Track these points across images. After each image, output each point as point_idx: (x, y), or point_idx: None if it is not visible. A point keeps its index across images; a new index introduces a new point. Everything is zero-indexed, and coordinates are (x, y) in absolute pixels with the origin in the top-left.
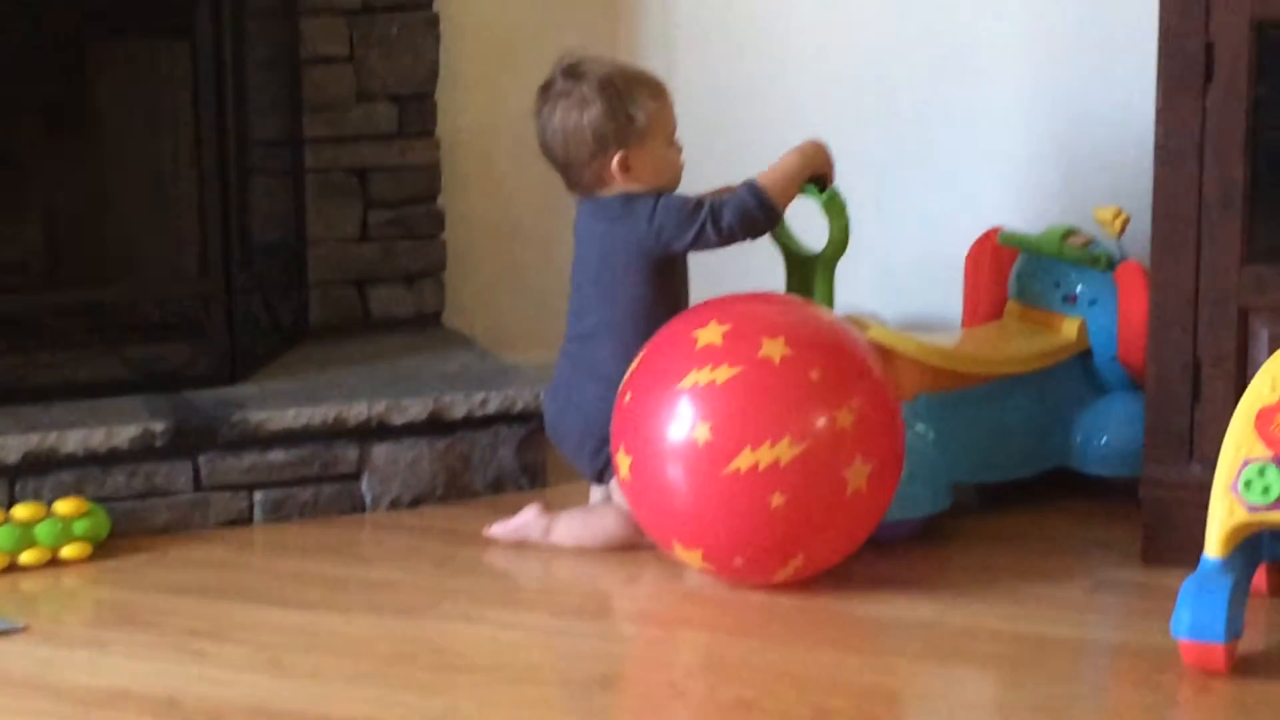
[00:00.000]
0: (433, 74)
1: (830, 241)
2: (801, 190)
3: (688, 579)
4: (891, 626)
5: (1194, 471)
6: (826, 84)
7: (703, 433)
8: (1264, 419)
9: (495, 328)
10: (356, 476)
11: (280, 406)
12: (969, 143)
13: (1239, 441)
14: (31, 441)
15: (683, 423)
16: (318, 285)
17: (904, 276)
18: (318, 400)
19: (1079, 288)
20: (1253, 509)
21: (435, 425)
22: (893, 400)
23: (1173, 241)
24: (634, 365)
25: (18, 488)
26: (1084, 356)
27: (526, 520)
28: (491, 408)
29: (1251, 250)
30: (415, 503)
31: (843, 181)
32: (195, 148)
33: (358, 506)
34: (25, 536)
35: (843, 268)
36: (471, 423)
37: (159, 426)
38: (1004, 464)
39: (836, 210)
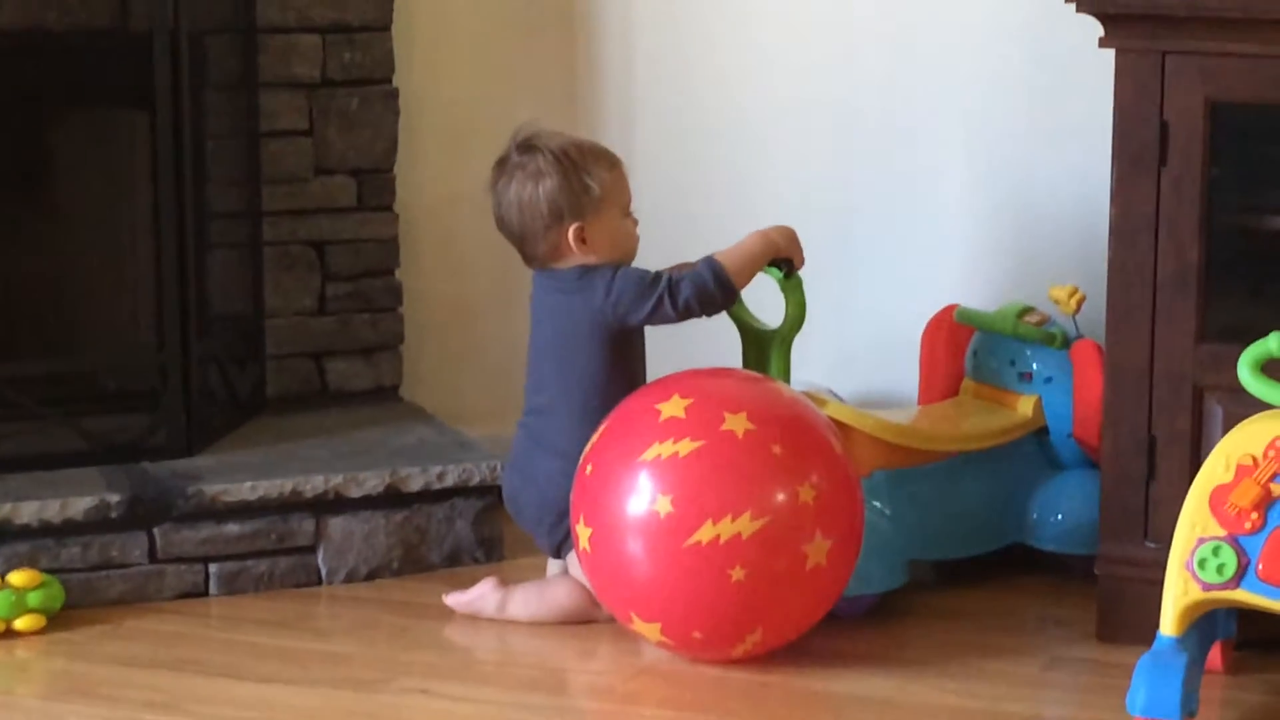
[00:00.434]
0: (391, 148)
1: (787, 318)
2: (767, 269)
3: (644, 653)
4: (848, 702)
5: (1149, 549)
6: (784, 160)
7: (664, 505)
8: (1218, 497)
9: (452, 401)
10: (312, 549)
11: (236, 479)
12: (925, 220)
13: (1194, 520)
14: None
15: (644, 495)
16: (275, 358)
17: (860, 353)
18: (274, 473)
19: (1035, 365)
20: (1207, 587)
21: (392, 498)
22: (853, 476)
23: (1128, 320)
24: (595, 437)
25: None
26: (1039, 434)
27: (482, 593)
28: (448, 481)
29: (1206, 329)
30: (371, 576)
31: None
32: (153, 219)
33: (313, 579)
34: None
35: (799, 344)
36: (428, 496)
37: (115, 498)
38: (960, 541)
39: (793, 287)
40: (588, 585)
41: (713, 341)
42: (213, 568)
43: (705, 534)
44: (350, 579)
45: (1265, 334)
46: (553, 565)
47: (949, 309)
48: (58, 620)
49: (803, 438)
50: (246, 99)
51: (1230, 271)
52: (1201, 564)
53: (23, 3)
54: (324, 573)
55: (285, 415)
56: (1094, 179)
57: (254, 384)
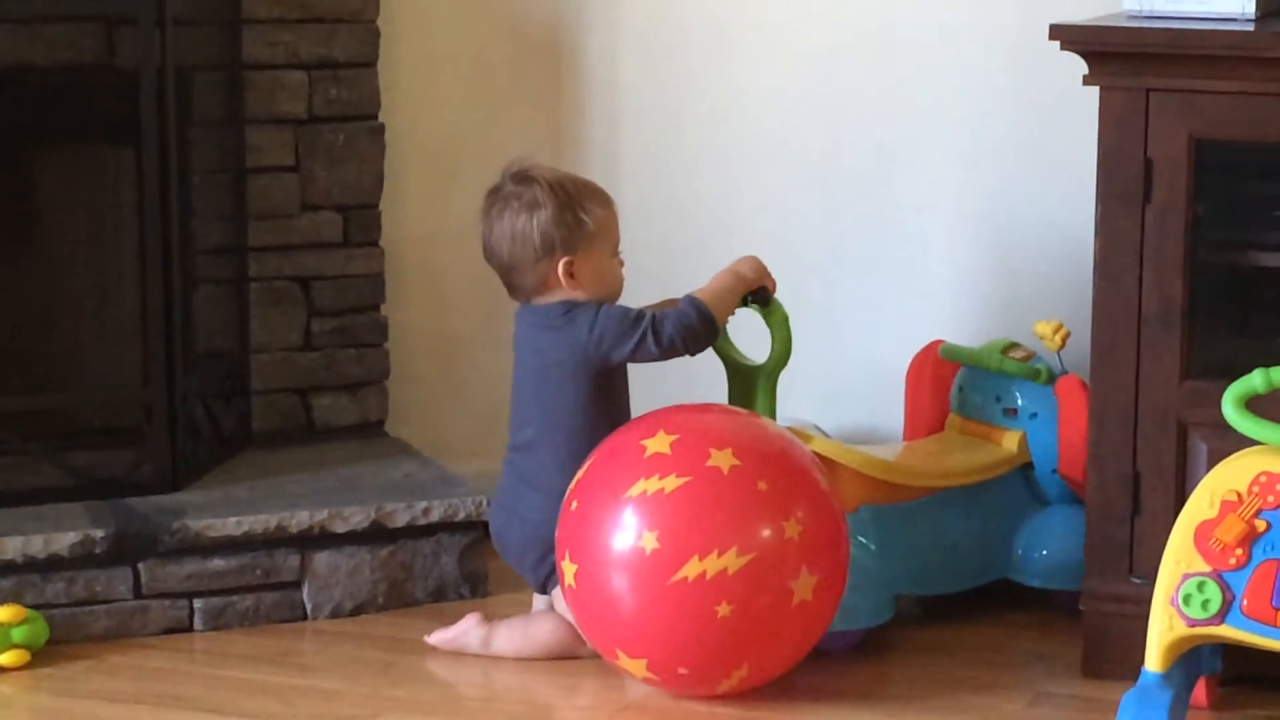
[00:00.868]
0: (377, 184)
1: (772, 353)
2: (744, 304)
3: (629, 689)
4: None
5: (1134, 585)
6: (769, 194)
7: (650, 541)
8: (1203, 533)
9: (438, 436)
10: (298, 585)
11: (222, 514)
12: (910, 256)
13: (1178, 555)
14: None
15: (630, 531)
16: (260, 393)
17: (846, 389)
18: (259, 508)
19: (1019, 401)
20: (1192, 623)
21: (377, 534)
22: (838, 511)
23: (1112, 356)
24: (581, 472)
25: None
26: (1024, 470)
27: (465, 629)
28: (434, 516)
29: (1190, 366)
30: (356, 611)
31: (785, 294)
32: (139, 254)
33: (299, 615)
34: None
35: (785, 380)
36: (413, 531)
37: (99, 533)
38: (945, 576)
39: (779, 322)
40: (573, 621)
41: (697, 378)
42: (198, 603)
43: (691, 570)
44: (335, 614)
45: (1249, 370)
46: (538, 601)
47: (934, 345)
48: (42, 656)
49: (788, 473)
50: (233, 135)
51: (1214, 308)
52: (1186, 600)
53: (9, 38)
54: (309, 608)
55: (271, 451)
56: (1078, 215)
57: (239, 419)
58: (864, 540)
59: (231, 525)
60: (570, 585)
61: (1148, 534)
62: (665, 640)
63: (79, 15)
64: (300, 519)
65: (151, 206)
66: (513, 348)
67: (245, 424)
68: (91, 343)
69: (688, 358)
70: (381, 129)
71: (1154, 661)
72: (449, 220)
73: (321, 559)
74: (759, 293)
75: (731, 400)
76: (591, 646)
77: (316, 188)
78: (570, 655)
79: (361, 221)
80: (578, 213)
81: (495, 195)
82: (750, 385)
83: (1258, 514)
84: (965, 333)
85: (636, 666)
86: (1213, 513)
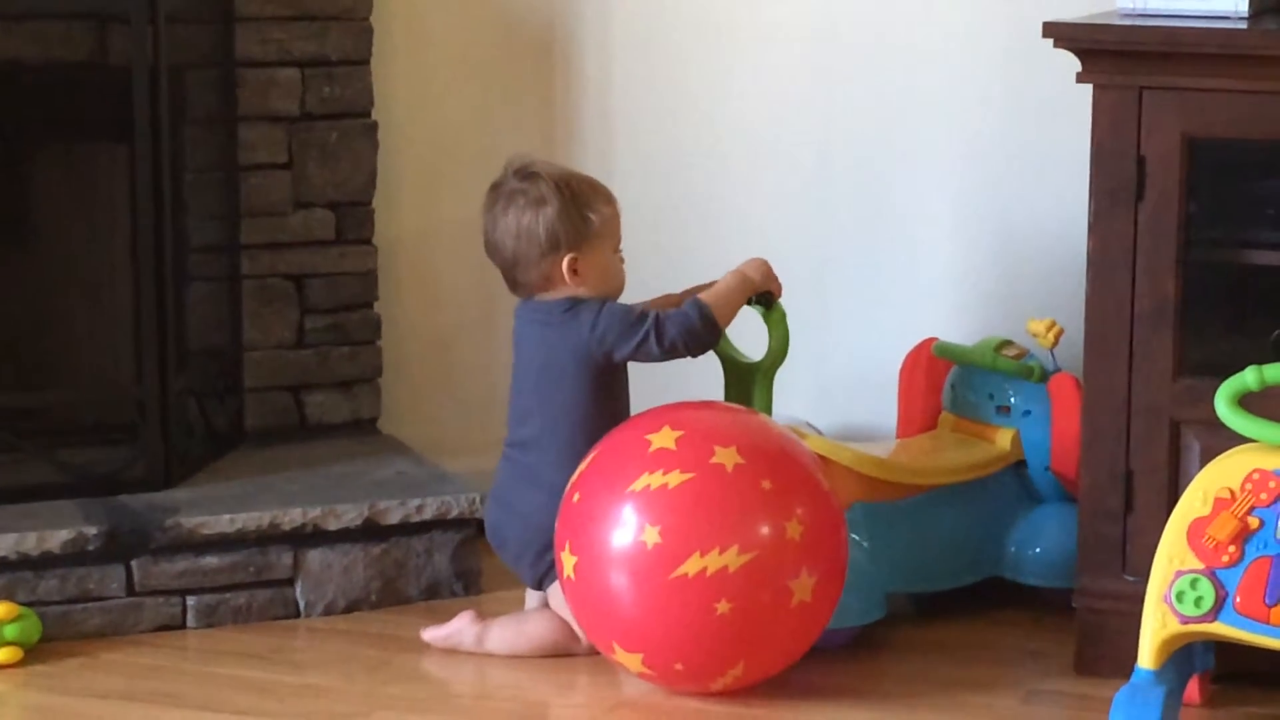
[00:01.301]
0: (371, 181)
1: (769, 351)
2: (749, 304)
3: (623, 686)
4: None
5: (1127, 582)
6: (763, 193)
7: (652, 536)
8: (1196, 531)
9: (431, 434)
10: (291, 582)
11: (215, 511)
12: (904, 255)
13: (1171, 553)
14: None
15: (632, 525)
16: (253, 391)
17: (839, 387)
18: (252, 505)
19: (1013, 399)
20: (1185, 620)
21: (370, 531)
22: (838, 513)
23: (1105, 354)
24: (584, 465)
25: None
26: (1018, 467)
27: (459, 628)
28: (427, 514)
29: (1183, 363)
30: (350, 609)
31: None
32: (132, 252)
33: (291, 612)
34: None
35: (780, 377)
36: (407, 529)
37: (92, 531)
38: (938, 574)
39: (776, 320)
40: (568, 618)
41: (693, 374)
42: (190, 600)
43: (692, 566)
44: (328, 612)
45: (1242, 368)
46: (531, 598)
47: (927, 343)
48: (35, 653)
49: (792, 473)
50: (225, 133)
51: (1207, 306)
52: (1179, 597)
53: (1, 36)
54: (302, 605)
55: (264, 448)
56: (1072, 213)
57: (232, 417)
58: (857, 538)
59: (224, 522)
60: (569, 577)
61: (1141, 531)
62: (663, 635)
63: (72, 13)
64: (293, 516)
65: (144, 204)
66: (512, 344)
67: (238, 421)
68: (84, 340)
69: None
70: (374, 127)
71: (1147, 659)
72: (442, 218)
73: (314, 556)
74: (764, 296)
75: (728, 397)
76: (586, 641)
77: (309, 185)
78: (564, 653)
79: (354, 219)
80: (583, 210)
81: (499, 190)
82: (747, 383)
83: (1250, 511)
84: (958, 330)
85: (632, 660)
86: (1206, 510)
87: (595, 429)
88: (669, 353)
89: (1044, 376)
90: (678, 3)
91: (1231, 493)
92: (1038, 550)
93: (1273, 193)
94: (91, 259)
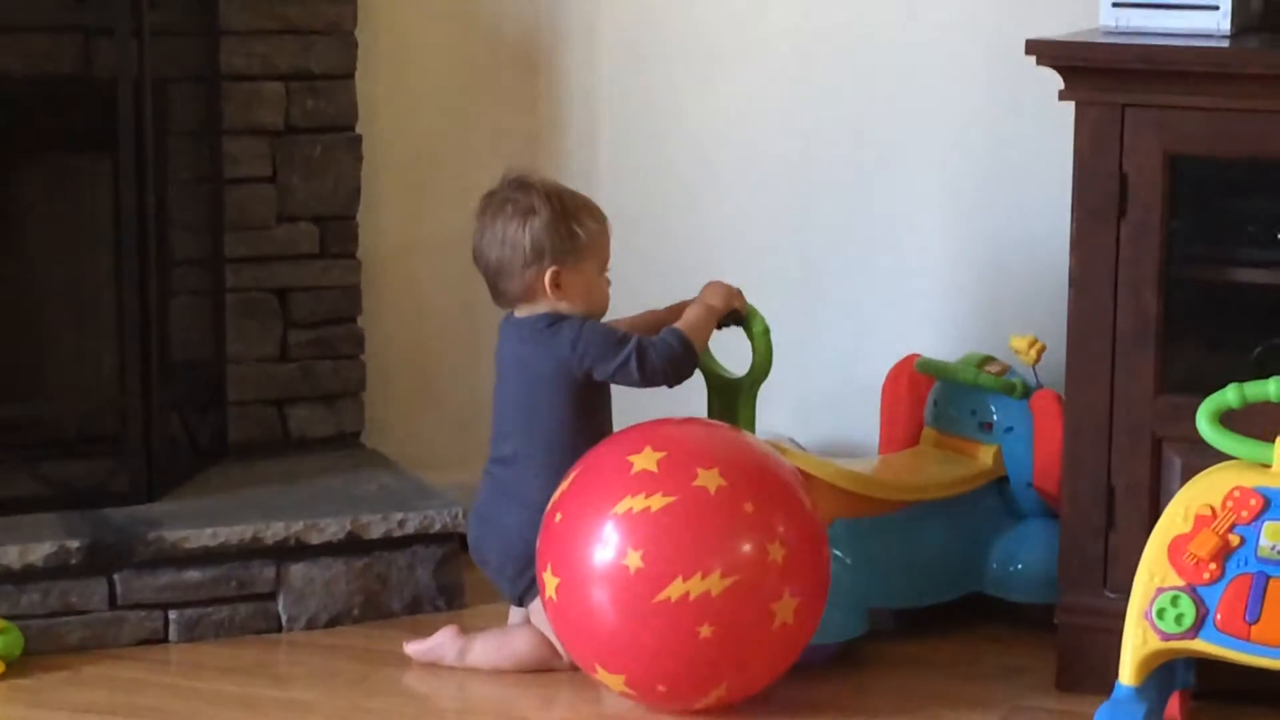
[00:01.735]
0: (354, 195)
1: (753, 367)
2: (722, 327)
3: (605, 702)
4: None
5: (1108, 599)
6: (747, 208)
7: (634, 560)
8: (1177, 548)
9: (414, 448)
10: (273, 596)
11: (197, 525)
12: (887, 270)
13: (1152, 570)
14: None
15: (615, 548)
16: (237, 404)
17: (821, 402)
18: (235, 519)
19: (995, 415)
20: (1166, 637)
21: (353, 545)
22: (821, 533)
23: (1087, 371)
24: (565, 484)
25: None
26: (1000, 483)
27: (442, 642)
28: (410, 528)
29: (1165, 381)
30: (332, 623)
31: (762, 306)
32: (116, 264)
33: (274, 626)
34: None
35: (763, 392)
36: (389, 543)
37: (74, 544)
38: (920, 590)
39: (759, 335)
40: (549, 634)
41: (676, 390)
42: (173, 614)
43: (675, 591)
44: (311, 626)
45: (1224, 386)
46: (514, 614)
47: (910, 358)
48: (16, 667)
49: (774, 494)
50: (210, 146)
51: (1189, 323)
52: (1160, 614)
53: None
54: (284, 620)
55: (247, 462)
56: (1054, 230)
57: (215, 430)
58: (839, 553)
59: (207, 536)
60: (551, 598)
61: (1122, 548)
62: (645, 658)
63: (56, 26)
64: (276, 530)
65: (128, 217)
66: (495, 360)
67: (221, 435)
68: (67, 352)
69: None
70: (359, 140)
71: (1128, 675)
72: (426, 232)
73: (297, 570)
74: (732, 315)
75: (711, 412)
76: (569, 658)
77: (293, 199)
78: (547, 668)
79: (338, 233)
80: (571, 224)
81: (491, 199)
82: (731, 398)
83: (1231, 529)
84: (941, 346)
85: (615, 681)
86: (1187, 527)
87: (576, 446)
88: (649, 379)
89: (1026, 393)
90: (662, 15)
91: (1213, 510)
92: (1019, 566)
93: (1254, 210)
94: (75, 271)
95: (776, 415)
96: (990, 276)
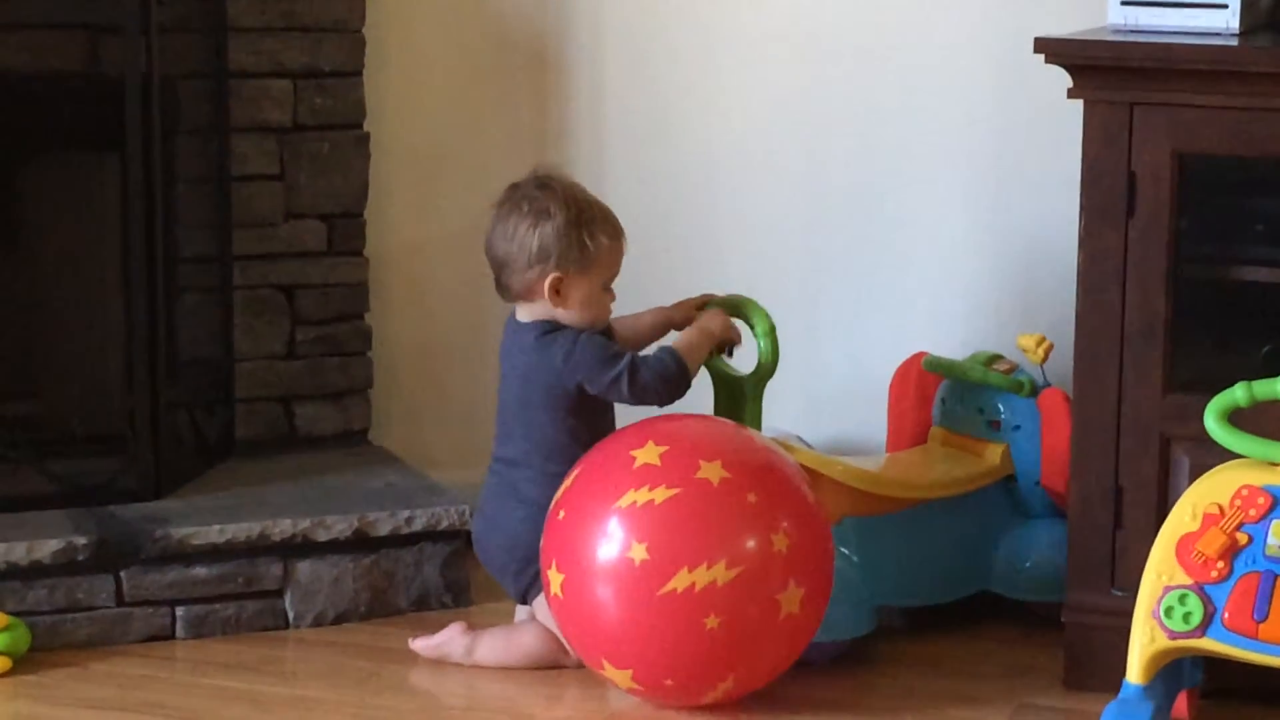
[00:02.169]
0: (362, 193)
1: (759, 365)
2: (711, 358)
3: (610, 699)
4: None
5: (1116, 597)
6: (754, 207)
7: (639, 553)
8: (1185, 546)
9: (421, 446)
10: (280, 593)
11: (204, 522)
12: (895, 269)
13: (1160, 568)
14: None
15: (619, 542)
16: (244, 401)
17: (829, 400)
18: (242, 516)
19: (1003, 414)
20: (1174, 636)
21: (360, 543)
22: (825, 524)
23: (1095, 370)
24: (569, 481)
25: None
26: (1007, 482)
27: (449, 638)
28: (417, 525)
29: (1173, 380)
30: (339, 620)
31: (769, 304)
32: (123, 262)
33: (281, 623)
34: None
35: (771, 390)
36: (396, 540)
37: (82, 541)
38: (928, 588)
39: (765, 333)
40: (555, 631)
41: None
42: (180, 611)
43: (680, 582)
44: (318, 623)
45: (1231, 384)
46: (521, 610)
47: (917, 357)
48: (24, 663)
49: (777, 486)
50: (217, 143)
51: (1197, 322)
52: (1168, 612)
53: None
54: (291, 617)
55: (254, 459)
56: (1062, 228)
57: (223, 428)
58: (846, 552)
59: (214, 533)
60: (556, 594)
61: (1130, 547)
62: (652, 651)
63: (64, 23)
64: (283, 527)
65: (136, 214)
66: (499, 356)
67: (228, 432)
68: (75, 350)
69: None
70: (366, 138)
71: (1135, 674)
72: (433, 229)
73: (304, 568)
74: (724, 345)
75: (718, 410)
76: (575, 655)
77: (301, 196)
78: (553, 665)
79: (346, 230)
80: (583, 234)
81: (513, 192)
82: (737, 396)
83: (1239, 527)
84: (949, 345)
85: (622, 677)
86: (1195, 525)
87: (576, 450)
88: (639, 396)
89: (1034, 391)
90: (670, 14)
91: (1220, 508)
92: (1027, 565)
93: (1263, 209)
94: (83, 269)
95: (784, 413)
96: (998, 274)
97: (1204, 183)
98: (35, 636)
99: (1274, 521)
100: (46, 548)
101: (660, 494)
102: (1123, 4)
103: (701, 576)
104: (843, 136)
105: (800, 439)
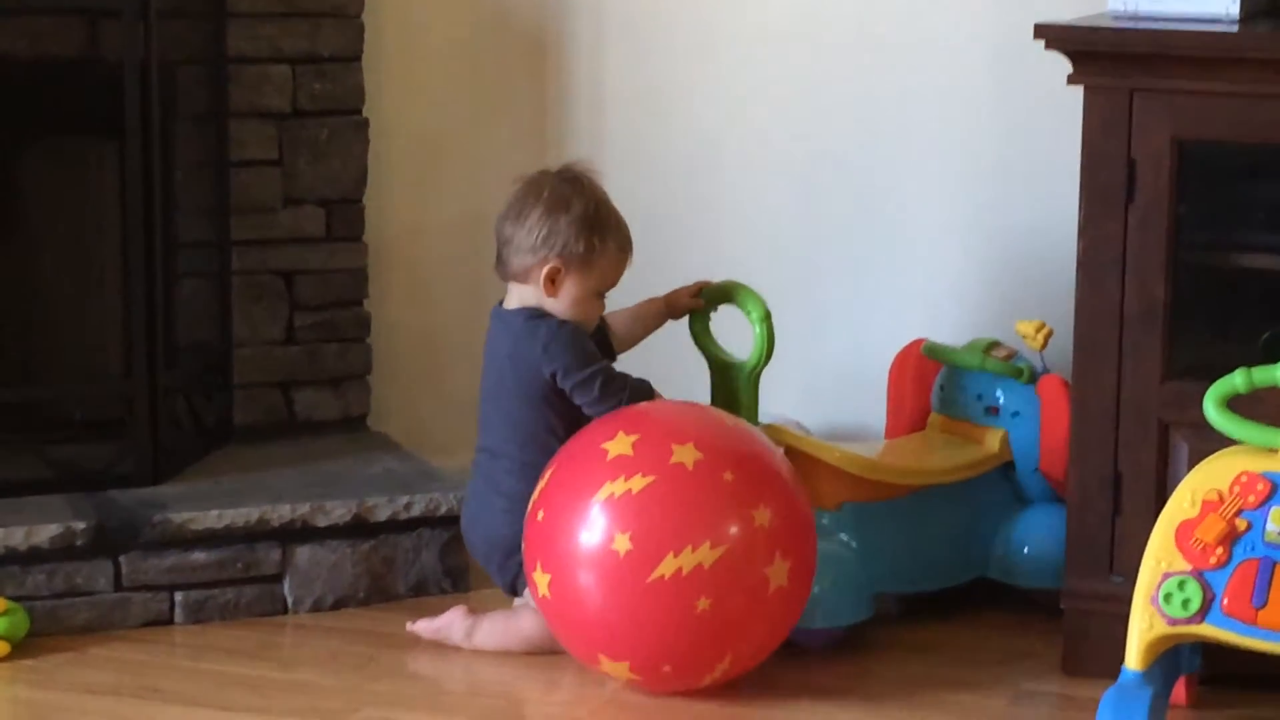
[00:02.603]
0: (361, 179)
1: (754, 352)
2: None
3: (609, 685)
4: None
5: (1114, 584)
6: (753, 194)
7: (623, 543)
8: (1184, 532)
9: (420, 431)
10: (279, 578)
11: (203, 507)
12: (893, 255)
13: (1159, 554)
14: None
15: (602, 534)
16: (243, 387)
17: (828, 387)
18: (241, 501)
19: (1001, 400)
20: (1172, 622)
21: (358, 528)
22: (804, 496)
23: (1094, 356)
24: (543, 481)
25: None
26: (1006, 468)
27: (450, 621)
28: (415, 511)
29: (1172, 366)
30: (337, 605)
31: (768, 291)
32: (122, 247)
33: (279, 608)
34: None
35: (767, 377)
36: (395, 526)
37: (80, 526)
38: (926, 574)
39: (761, 320)
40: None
41: (678, 375)
42: (178, 596)
43: (667, 568)
44: (316, 608)
45: (1231, 370)
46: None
47: (916, 343)
48: (22, 648)
49: (752, 463)
50: (216, 129)
51: (1196, 309)
52: (1167, 598)
53: None
54: (290, 602)
55: (252, 444)
56: (1062, 215)
57: (221, 413)
58: (845, 538)
59: (213, 518)
60: (545, 596)
61: (1128, 533)
62: (647, 640)
63: (63, 8)
64: (282, 513)
65: (134, 200)
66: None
67: (227, 418)
68: (74, 335)
69: (670, 352)
70: (365, 123)
71: (1134, 660)
72: (432, 215)
73: (303, 553)
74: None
75: (714, 397)
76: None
77: (300, 182)
78: (553, 649)
79: (344, 216)
80: (593, 235)
81: (540, 176)
82: (733, 382)
83: (1238, 513)
84: (948, 331)
85: (619, 669)
86: (1194, 512)
87: (552, 442)
88: (601, 401)
89: (1033, 378)
90: (669, 1)
91: (1220, 495)
92: (1026, 551)
93: (1262, 196)
94: (81, 254)
95: (784, 399)
96: (997, 261)
97: (1204, 169)
98: (34, 621)
99: (1273, 508)
100: (45, 532)
101: (637, 482)
102: None
103: (688, 560)
104: (842, 123)
105: (799, 425)
